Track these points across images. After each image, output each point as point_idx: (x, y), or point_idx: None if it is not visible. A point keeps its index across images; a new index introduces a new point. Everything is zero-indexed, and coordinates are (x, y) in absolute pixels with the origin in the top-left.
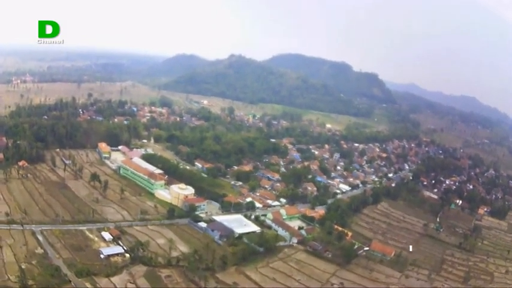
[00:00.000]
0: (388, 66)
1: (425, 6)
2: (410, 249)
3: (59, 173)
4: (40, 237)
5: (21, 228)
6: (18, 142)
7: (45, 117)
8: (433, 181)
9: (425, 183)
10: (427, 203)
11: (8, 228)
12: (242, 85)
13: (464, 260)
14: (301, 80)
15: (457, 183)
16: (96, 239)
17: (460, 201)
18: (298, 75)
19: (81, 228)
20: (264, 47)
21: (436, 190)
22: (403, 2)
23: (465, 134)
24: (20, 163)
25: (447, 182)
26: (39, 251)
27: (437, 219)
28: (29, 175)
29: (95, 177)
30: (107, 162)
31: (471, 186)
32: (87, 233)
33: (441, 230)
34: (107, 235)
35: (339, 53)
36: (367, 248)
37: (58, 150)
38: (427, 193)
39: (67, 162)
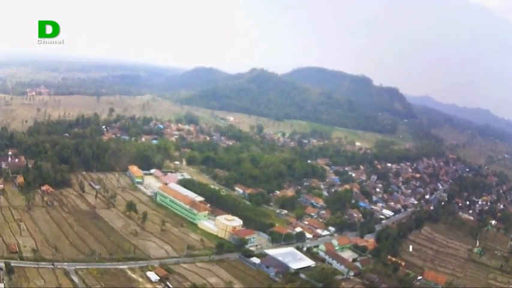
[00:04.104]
0: (402, 78)
1: (437, 16)
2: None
3: (88, 200)
4: (75, 278)
5: (52, 266)
6: (39, 163)
7: (67, 134)
8: (467, 201)
9: (460, 204)
10: (466, 225)
11: (37, 266)
12: (266, 100)
13: (505, 284)
14: (325, 96)
15: (488, 203)
16: (140, 279)
17: (495, 222)
18: (322, 91)
19: (121, 267)
20: (282, 60)
21: (471, 211)
22: (414, 12)
23: (486, 149)
24: (44, 188)
25: (480, 202)
26: None
27: (478, 243)
28: (54, 202)
29: (131, 206)
30: (141, 187)
31: (502, 206)
32: (129, 272)
33: (483, 254)
34: (152, 275)
35: (354, 65)
36: (420, 277)
37: (84, 173)
38: (464, 215)
39: (96, 187)
